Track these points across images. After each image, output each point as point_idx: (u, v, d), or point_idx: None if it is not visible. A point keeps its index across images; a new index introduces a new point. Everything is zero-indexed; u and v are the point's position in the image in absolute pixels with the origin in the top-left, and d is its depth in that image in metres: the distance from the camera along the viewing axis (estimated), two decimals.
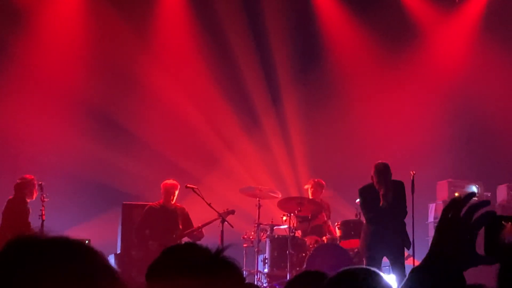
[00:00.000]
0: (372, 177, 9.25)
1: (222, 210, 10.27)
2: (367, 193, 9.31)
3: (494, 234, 1.78)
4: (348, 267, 2.65)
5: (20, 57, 13.04)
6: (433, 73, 14.17)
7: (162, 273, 1.86)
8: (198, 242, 2.23)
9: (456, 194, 12.78)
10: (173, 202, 10.77)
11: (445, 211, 1.81)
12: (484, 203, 1.81)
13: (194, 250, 1.91)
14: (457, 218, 1.79)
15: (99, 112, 13.13)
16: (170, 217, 10.69)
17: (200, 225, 10.61)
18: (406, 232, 9.25)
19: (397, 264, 9.03)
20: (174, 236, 10.53)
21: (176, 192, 10.73)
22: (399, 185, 9.30)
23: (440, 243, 1.80)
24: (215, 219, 10.29)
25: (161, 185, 10.82)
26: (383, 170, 9.18)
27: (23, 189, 10.28)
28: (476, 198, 1.87)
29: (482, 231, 1.79)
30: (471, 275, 1.88)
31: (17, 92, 13.00)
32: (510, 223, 1.78)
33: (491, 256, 1.77)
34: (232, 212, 10.41)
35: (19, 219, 10.07)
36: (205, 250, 1.90)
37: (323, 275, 3.28)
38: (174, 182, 10.79)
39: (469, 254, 1.77)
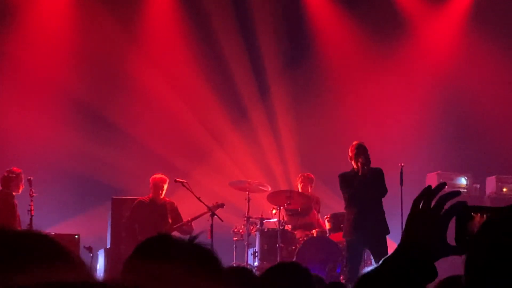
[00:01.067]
0: (349, 156, 9.30)
1: (212, 204, 10.26)
2: (345, 176, 9.37)
3: (465, 225, 1.78)
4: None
5: (8, 53, 12.98)
6: (422, 66, 14.19)
7: (137, 266, 1.85)
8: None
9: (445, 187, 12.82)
10: (162, 197, 10.75)
11: (416, 201, 1.82)
12: (454, 193, 1.81)
13: (167, 241, 1.94)
14: (428, 208, 1.80)
15: (87, 107, 13.10)
16: (159, 211, 10.68)
17: (189, 219, 10.60)
18: (385, 219, 9.26)
19: (379, 254, 9.00)
20: (163, 230, 10.50)
21: (165, 186, 10.71)
22: (378, 170, 9.33)
23: (411, 233, 1.80)
24: (205, 213, 10.27)
25: (150, 180, 10.80)
26: (359, 146, 9.25)
27: (9, 182, 10.23)
28: (446, 187, 1.87)
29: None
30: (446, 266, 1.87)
31: (5, 88, 12.94)
32: (478, 214, 1.79)
33: (461, 246, 1.77)
34: (222, 205, 10.40)
35: (6, 213, 10.03)
36: (179, 240, 1.93)
37: (296, 265, 3.32)
38: (163, 176, 10.78)
39: (439, 245, 1.77)
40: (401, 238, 1.81)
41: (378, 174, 9.28)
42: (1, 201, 10.17)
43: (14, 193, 10.26)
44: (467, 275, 1.58)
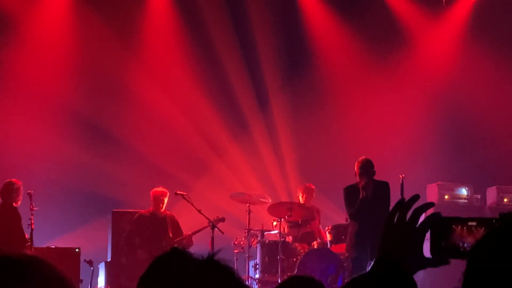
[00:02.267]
0: (355, 172, 9.35)
1: (213, 217, 10.24)
2: (350, 190, 9.42)
3: (442, 236, 1.78)
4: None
5: (6, 64, 12.97)
6: (421, 76, 14.19)
7: (154, 282, 1.81)
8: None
9: (446, 197, 12.81)
10: (162, 210, 10.74)
11: (391, 214, 1.81)
12: (428, 205, 1.81)
13: (185, 256, 1.87)
14: (403, 221, 1.79)
15: (87, 119, 13.09)
16: (160, 225, 10.67)
17: (190, 232, 10.59)
18: None
19: None
20: (163, 244, 10.49)
21: (166, 200, 10.71)
22: (383, 185, 9.34)
23: (387, 246, 1.80)
24: (205, 227, 10.26)
25: (151, 193, 10.79)
26: (365, 164, 9.27)
27: (9, 194, 10.19)
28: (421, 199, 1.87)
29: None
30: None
31: (4, 100, 12.93)
32: (459, 226, 1.78)
33: (437, 258, 1.77)
34: (223, 219, 10.38)
35: (10, 226, 10.01)
36: (195, 256, 1.86)
37: (311, 280, 3.27)
38: (164, 189, 10.77)
39: (416, 257, 1.77)
40: (377, 251, 1.80)
41: (382, 190, 9.27)
42: (6, 213, 10.14)
43: (14, 204, 10.24)
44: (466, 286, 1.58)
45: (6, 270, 1.22)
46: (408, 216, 1.80)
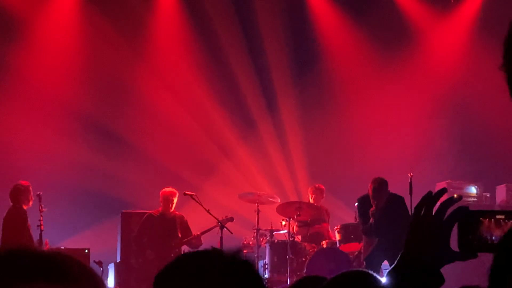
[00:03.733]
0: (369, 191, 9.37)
1: (221, 217, 10.25)
2: (363, 204, 9.43)
3: (469, 230, 1.76)
4: (345, 271, 2.63)
5: (14, 67, 13.00)
6: (430, 75, 14.15)
7: (175, 280, 1.74)
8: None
9: (455, 196, 12.77)
10: (172, 210, 10.76)
11: (417, 208, 1.80)
12: (455, 198, 1.80)
13: (209, 254, 1.78)
14: (429, 215, 1.78)
15: (96, 121, 13.10)
16: (169, 225, 10.68)
17: (199, 233, 10.60)
18: None
19: None
20: (172, 244, 10.51)
21: (175, 200, 10.72)
22: (398, 200, 9.30)
23: (414, 241, 1.79)
24: (214, 227, 10.28)
25: (160, 193, 10.81)
26: (377, 188, 9.23)
27: (18, 196, 10.19)
28: (447, 195, 1.85)
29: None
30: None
31: (13, 102, 12.96)
32: (487, 219, 1.77)
33: (465, 252, 1.75)
34: (231, 219, 10.41)
35: (18, 228, 10.02)
36: (221, 255, 1.77)
37: (323, 280, 3.25)
38: (173, 190, 10.78)
39: (443, 251, 1.76)
40: (404, 246, 1.79)
41: (397, 206, 9.23)
42: (14, 217, 10.14)
43: (25, 207, 10.23)
44: (493, 285, 1.55)
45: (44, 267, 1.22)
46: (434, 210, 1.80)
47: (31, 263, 1.19)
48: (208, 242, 10.49)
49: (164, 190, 10.82)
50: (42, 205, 10.17)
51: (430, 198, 1.80)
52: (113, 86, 13.36)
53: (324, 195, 11.60)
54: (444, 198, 1.86)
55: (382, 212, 9.20)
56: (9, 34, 13.05)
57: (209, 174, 13.48)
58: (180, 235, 10.65)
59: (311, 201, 11.42)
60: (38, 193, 10.25)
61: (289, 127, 14.03)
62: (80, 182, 12.78)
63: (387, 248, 9.05)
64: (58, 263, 1.22)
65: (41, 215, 10.13)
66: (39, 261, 1.20)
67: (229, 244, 10.19)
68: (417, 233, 1.78)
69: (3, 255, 1.20)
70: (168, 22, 13.87)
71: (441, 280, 1.75)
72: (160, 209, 10.78)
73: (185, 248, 10.63)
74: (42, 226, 10.05)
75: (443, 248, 1.76)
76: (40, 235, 10.03)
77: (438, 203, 1.86)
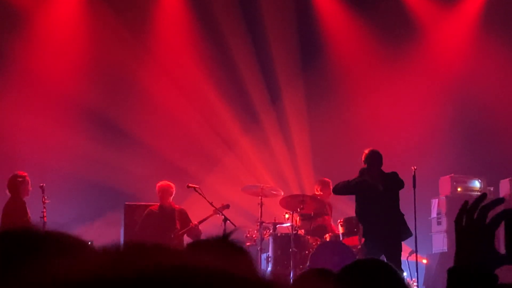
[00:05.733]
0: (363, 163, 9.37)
1: (217, 206, 10.36)
2: (363, 174, 9.39)
3: None
4: (360, 259, 2.62)
5: (18, 59, 13.01)
6: (434, 68, 14.13)
7: None
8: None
9: (459, 189, 12.76)
10: (170, 203, 10.77)
11: (458, 218, 1.76)
12: (497, 201, 1.76)
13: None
14: (471, 221, 1.74)
15: (99, 114, 13.10)
16: (169, 218, 10.70)
17: (196, 222, 10.61)
18: (405, 222, 9.26)
19: (390, 257, 8.93)
20: (172, 236, 10.51)
21: (173, 192, 10.74)
22: (392, 177, 9.33)
23: (463, 251, 1.75)
24: (211, 215, 10.39)
25: (157, 187, 10.80)
26: (369, 156, 9.26)
27: (17, 187, 10.16)
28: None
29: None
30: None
31: (18, 94, 12.97)
32: None
33: None
34: (227, 206, 10.47)
35: (18, 220, 10.00)
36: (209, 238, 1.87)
37: (328, 272, 3.25)
38: (169, 183, 10.80)
39: (491, 255, 1.73)
40: (454, 260, 1.76)
41: (393, 181, 9.25)
42: (14, 208, 10.13)
43: (24, 198, 10.21)
44: None
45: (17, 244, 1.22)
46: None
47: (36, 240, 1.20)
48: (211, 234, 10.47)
49: (160, 183, 10.81)
50: (45, 197, 10.16)
51: (467, 206, 1.76)
52: (118, 79, 13.35)
53: (331, 187, 11.62)
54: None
55: (379, 193, 9.20)
56: (14, 26, 13.05)
57: (213, 166, 13.47)
58: (179, 227, 10.65)
59: (318, 194, 11.42)
60: (41, 184, 10.24)
61: (293, 120, 14.01)
62: (83, 174, 12.77)
63: (382, 227, 9.05)
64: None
65: (44, 207, 10.13)
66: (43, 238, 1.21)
67: (232, 237, 10.19)
68: (463, 242, 1.75)
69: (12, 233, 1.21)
70: (172, 14, 13.85)
71: (496, 279, 1.72)
72: (159, 203, 10.81)
73: (186, 239, 10.65)
74: (45, 218, 10.05)
75: (490, 252, 1.73)
76: (43, 227, 10.01)
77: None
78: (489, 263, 1.73)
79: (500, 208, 1.80)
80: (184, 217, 10.77)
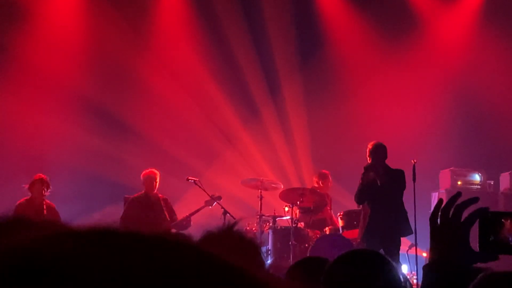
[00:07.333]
0: (367, 157, 9.31)
1: (209, 197, 10.31)
2: (369, 170, 9.33)
3: (490, 231, 1.74)
4: (357, 249, 2.62)
5: (19, 54, 13.00)
6: (434, 61, 14.11)
7: None
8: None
9: (459, 183, 12.75)
10: (155, 191, 10.59)
11: (432, 217, 1.78)
12: (472, 200, 1.77)
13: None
14: (446, 219, 1.75)
15: (99, 106, 13.10)
16: (155, 206, 10.52)
17: (187, 214, 10.53)
18: (407, 219, 9.24)
19: (388, 253, 8.92)
20: (162, 226, 10.44)
21: (158, 179, 10.55)
22: (398, 174, 9.28)
23: (437, 249, 1.77)
24: (202, 207, 10.30)
25: (142, 175, 10.63)
26: (374, 150, 9.22)
27: (41, 188, 10.06)
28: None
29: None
30: None
31: (19, 87, 12.97)
32: (509, 220, 1.74)
33: (486, 253, 1.73)
34: (219, 198, 10.39)
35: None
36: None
37: (324, 261, 3.25)
38: (155, 170, 10.63)
39: (465, 254, 1.74)
40: (429, 257, 1.77)
41: (398, 178, 9.19)
42: (29, 208, 10.03)
43: (43, 196, 10.11)
44: None
45: None
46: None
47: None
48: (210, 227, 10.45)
49: (146, 171, 10.63)
50: (45, 189, 10.14)
51: (442, 205, 1.77)
52: (119, 71, 13.35)
53: (331, 179, 11.60)
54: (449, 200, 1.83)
55: (383, 188, 9.16)
56: (14, 20, 13.02)
57: (212, 160, 13.47)
58: (168, 217, 10.55)
59: (319, 187, 11.42)
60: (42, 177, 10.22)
61: (293, 113, 14.00)
62: (83, 167, 12.78)
63: (383, 222, 9.03)
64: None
65: (44, 199, 10.12)
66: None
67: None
68: (437, 241, 1.77)
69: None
70: (172, 7, 13.84)
71: (477, 272, 1.73)
72: (143, 191, 10.62)
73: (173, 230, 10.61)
74: (45, 211, 10.05)
75: (464, 250, 1.74)
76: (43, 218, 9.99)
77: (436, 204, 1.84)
78: (463, 261, 1.73)
79: (474, 207, 1.80)
80: (169, 207, 10.66)
